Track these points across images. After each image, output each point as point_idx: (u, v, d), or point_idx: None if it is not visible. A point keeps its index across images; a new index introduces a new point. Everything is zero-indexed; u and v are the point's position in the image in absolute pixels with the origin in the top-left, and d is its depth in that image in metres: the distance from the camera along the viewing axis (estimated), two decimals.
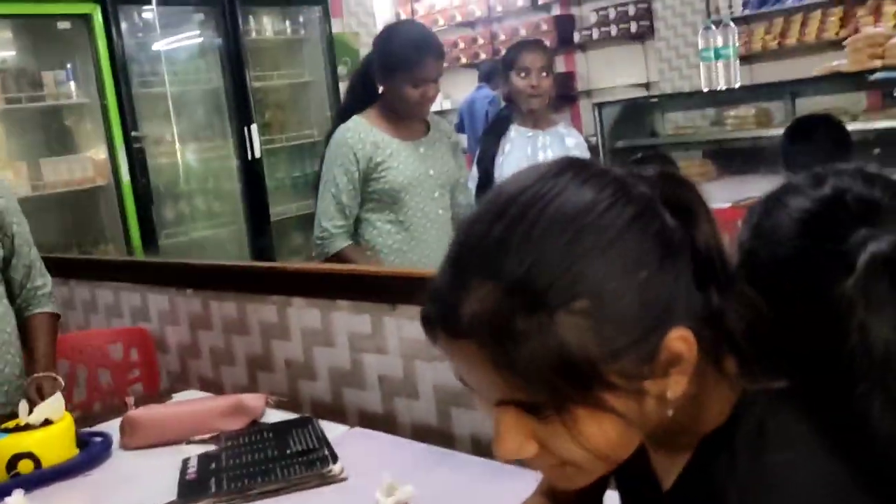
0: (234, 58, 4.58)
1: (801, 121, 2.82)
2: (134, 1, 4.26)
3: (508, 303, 0.61)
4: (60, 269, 2.16)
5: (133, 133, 4.14)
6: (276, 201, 4.82)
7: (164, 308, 2.43)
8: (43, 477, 1.56)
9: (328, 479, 1.44)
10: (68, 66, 4.16)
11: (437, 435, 1.71)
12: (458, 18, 7.89)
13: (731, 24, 4.57)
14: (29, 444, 1.57)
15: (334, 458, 1.49)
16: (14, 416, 1.66)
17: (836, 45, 5.00)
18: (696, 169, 4.41)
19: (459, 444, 1.68)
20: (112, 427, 1.77)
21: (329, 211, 2.29)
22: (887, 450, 0.62)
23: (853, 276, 0.64)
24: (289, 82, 5.12)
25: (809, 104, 4.49)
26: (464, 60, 7.74)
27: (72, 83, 4.16)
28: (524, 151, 2.76)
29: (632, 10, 6.72)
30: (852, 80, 4.28)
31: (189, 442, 1.69)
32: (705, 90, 4.60)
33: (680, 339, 0.64)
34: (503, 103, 3.05)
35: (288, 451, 1.55)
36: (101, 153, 4.20)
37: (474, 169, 2.82)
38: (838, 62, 4.40)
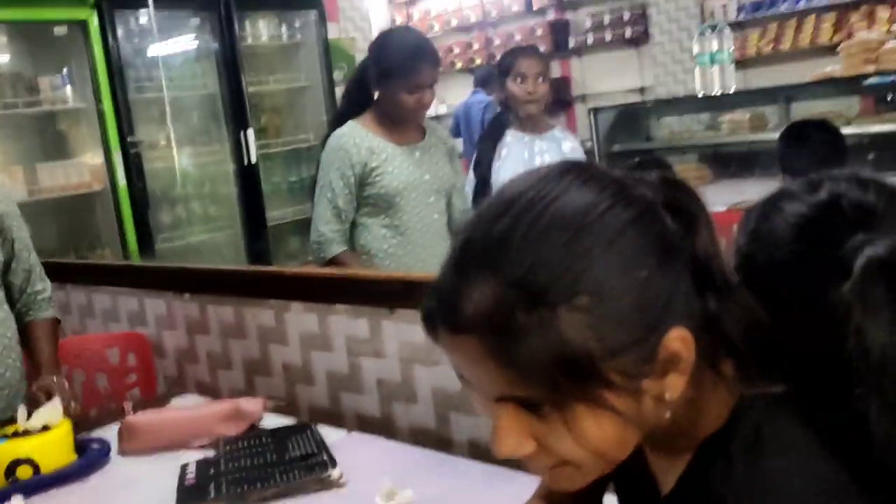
0: (230, 62, 4.58)
1: (796, 125, 2.83)
2: (130, 6, 4.26)
3: (510, 298, 0.62)
4: (57, 273, 2.15)
5: (129, 138, 4.14)
6: (272, 206, 4.82)
7: (161, 312, 2.43)
8: (41, 483, 1.56)
9: (327, 484, 1.45)
10: (64, 71, 4.15)
11: (435, 439, 1.71)
12: (454, 23, 7.90)
13: (726, 29, 4.59)
14: (28, 450, 1.57)
15: (333, 463, 1.49)
16: (15, 420, 1.66)
17: (830, 50, 5.02)
18: (692, 173, 4.42)
19: (457, 449, 1.68)
20: (110, 432, 1.77)
21: (325, 215, 2.30)
22: (884, 454, 0.63)
23: (850, 280, 0.65)
24: (285, 87, 5.12)
25: (804, 109, 4.50)
26: (459, 65, 7.75)
27: (68, 88, 4.16)
28: (521, 156, 2.77)
29: (627, 15, 6.73)
30: (846, 85, 4.30)
31: (188, 447, 1.69)
32: (700, 95, 4.62)
33: (678, 340, 0.64)
34: (498, 108, 3.05)
35: (287, 456, 1.55)
36: (97, 158, 4.20)
37: (471, 174, 2.83)
38: (832, 67, 4.42)
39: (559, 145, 2.83)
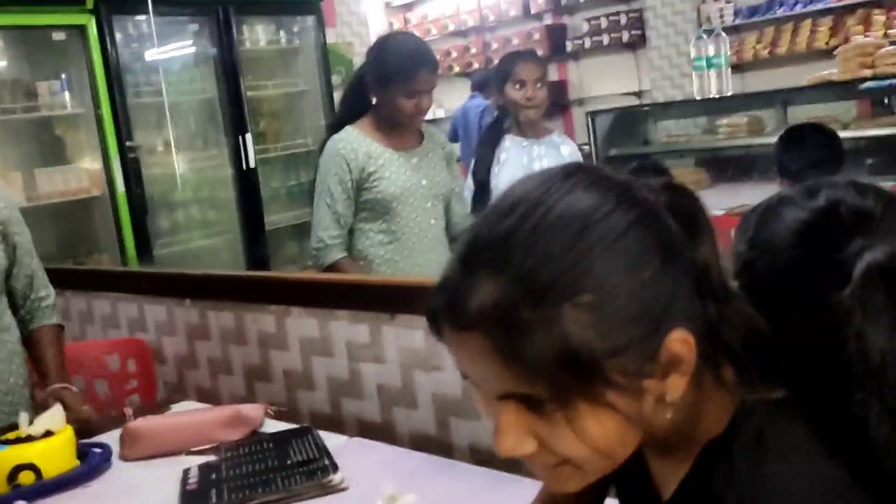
0: (229, 67, 4.59)
1: (793, 129, 2.84)
2: (128, 11, 4.27)
3: (515, 294, 0.63)
4: (57, 279, 2.15)
5: (127, 143, 4.15)
6: (270, 210, 4.83)
7: (161, 318, 2.44)
8: (44, 488, 1.56)
9: (329, 490, 1.45)
10: (63, 76, 4.16)
11: (435, 444, 1.71)
12: (451, 28, 7.93)
13: (723, 33, 4.60)
14: (30, 456, 1.57)
15: (335, 468, 1.49)
16: (17, 426, 1.66)
17: (827, 54, 5.05)
18: (690, 177, 4.43)
19: (458, 454, 1.68)
20: (111, 438, 1.77)
21: (324, 221, 2.30)
22: (884, 458, 0.63)
23: (850, 285, 0.65)
24: (283, 92, 5.13)
25: (801, 112, 4.52)
26: (457, 69, 7.78)
27: (66, 93, 4.17)
28: (520, 161, 2.78)
29: (623, 20, 6.76)
30: (843, 89, 4.31)
31: (189, 452, 1.69)
32: (697, 98, 4.64)
33: (680, 341, 0.65)
34: (495, 112, 3.06)
35: (288, 462, 1.55)
36: (95, 163, 4.21)
37: (469, 179, 2.84)
38: (829, 71, 4.44)
39: (558, 150, 2.84)
